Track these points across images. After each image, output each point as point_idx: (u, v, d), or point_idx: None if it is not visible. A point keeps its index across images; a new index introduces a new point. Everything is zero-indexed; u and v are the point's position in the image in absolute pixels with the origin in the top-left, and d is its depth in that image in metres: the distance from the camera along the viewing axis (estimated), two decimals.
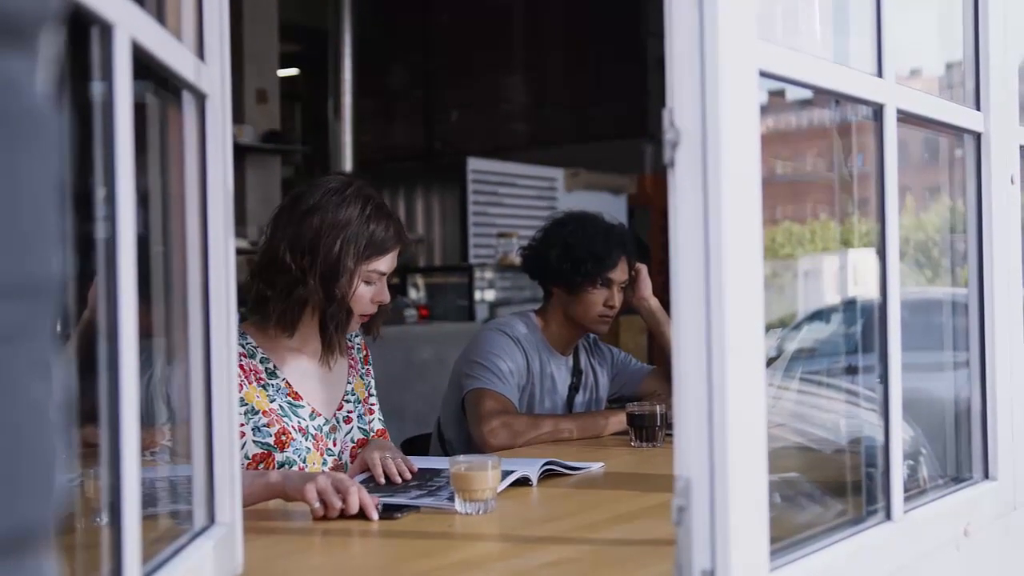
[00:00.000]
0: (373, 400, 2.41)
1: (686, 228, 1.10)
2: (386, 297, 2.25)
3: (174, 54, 1.16)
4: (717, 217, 1.08)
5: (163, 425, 1.48)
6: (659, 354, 3.03)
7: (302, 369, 2.26)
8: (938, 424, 1.87)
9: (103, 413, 0.94)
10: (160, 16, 1.17)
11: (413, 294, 6.71)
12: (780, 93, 1.38)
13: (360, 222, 2.17)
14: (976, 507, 1.70)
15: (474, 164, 7.25)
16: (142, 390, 1.01)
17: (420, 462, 2.18)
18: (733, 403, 1.09)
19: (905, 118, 1.52)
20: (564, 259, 2.86)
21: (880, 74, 1.46)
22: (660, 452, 2.52)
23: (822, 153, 1.96)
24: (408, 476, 2.07)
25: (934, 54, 2.02)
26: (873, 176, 1.49)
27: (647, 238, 6.70)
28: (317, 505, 1.78)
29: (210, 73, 1.30)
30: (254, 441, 2.13)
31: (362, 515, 1.78)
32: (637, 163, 7.90)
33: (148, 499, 1.03)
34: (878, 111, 1.46)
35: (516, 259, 5.28)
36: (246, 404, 2.13)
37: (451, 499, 1.85)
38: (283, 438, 2.15)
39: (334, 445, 2.25)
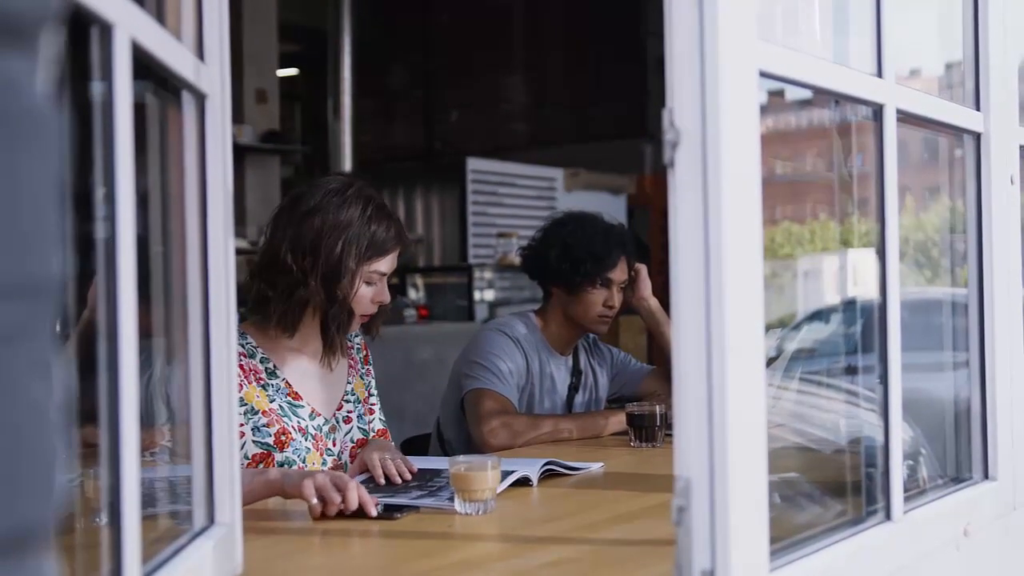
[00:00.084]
0: (374, 400, 2.40)
1: (686, 228, 1.10)
2: (386, 297, 2.25)
3: (174, 54, 1.16)
4: (717, 217, 1.08)
5: (163, 425, 1.48)
6: (659, 354, 3.03)
7: (302, 369, 2.26)
8: (938, 424, 1.87)
9: (103, 413, 0.94)
10: (160, 16, 1.17)
11: (413, 294, 6.70)
12: (780, 93, 1.38)
13: (361, 223, 2.17)
14: (976, 507, 1.70)
15: (474, 164, 7.24)
16: (142, 390, 1.01)
17: (420, 462, 2.18)
18: (733, 403, 1.09)
19: (905, 118, 1.52)
20: (564, 259, 2.86)
21: (880, 74, 1.46)
22: (660, 452, 2.52)
23: (822, 153, 1.96)
24: (408, 477, 2.07)
25: (934, 54, 2.02)
26: (873, 176, 1.49)
27: (647, 238, 6.71)
28: (315, 501, 1.78)
29: (210, 73, 1.30)
30: (254, 441, 2.13)
31: (361, 514, 1.77)
32: (637, 163, 7.90)
33: (148, 499, 1.03)
34: (878, 111, 1.46)
35: (516, 259, 5.28)
36: (246, 404, 2.13)
37: (451, 499, 1.85)
38: (283, 438, 2.15)
39: (334, 445, 2.25)
